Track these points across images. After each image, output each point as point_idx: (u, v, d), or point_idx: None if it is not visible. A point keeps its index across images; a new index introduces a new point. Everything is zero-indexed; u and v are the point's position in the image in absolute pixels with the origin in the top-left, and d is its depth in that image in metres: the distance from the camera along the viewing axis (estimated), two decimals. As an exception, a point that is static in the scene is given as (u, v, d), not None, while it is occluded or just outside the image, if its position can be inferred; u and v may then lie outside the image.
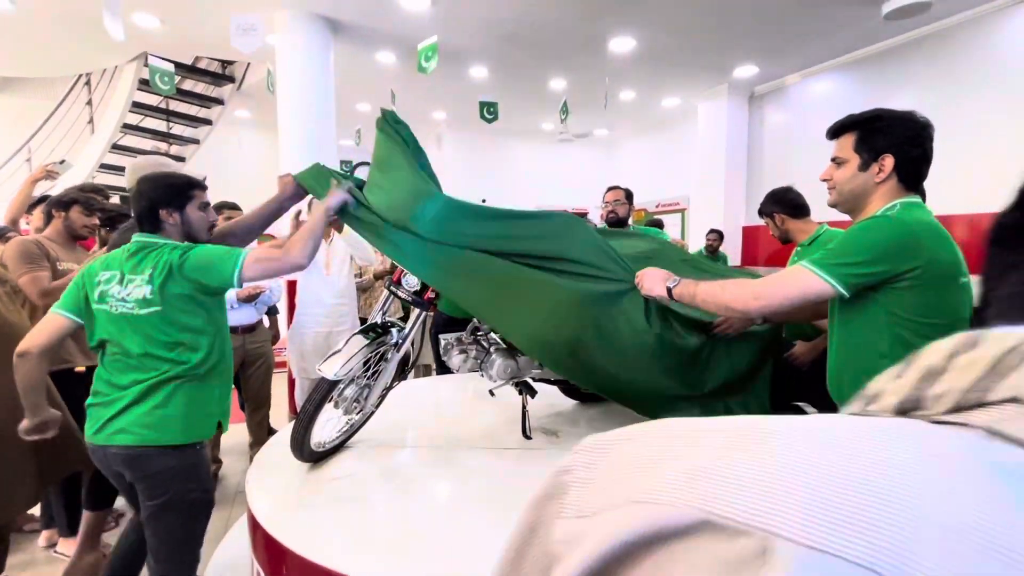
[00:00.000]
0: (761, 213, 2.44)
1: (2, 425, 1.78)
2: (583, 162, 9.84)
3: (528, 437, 1.90)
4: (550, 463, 1.24)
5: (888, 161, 1.31)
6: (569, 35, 5.00)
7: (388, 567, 1.20)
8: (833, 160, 1.41)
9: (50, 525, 2.45)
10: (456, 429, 2.04)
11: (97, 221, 2.43)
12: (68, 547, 2.35)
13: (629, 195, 3.13)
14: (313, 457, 1.70)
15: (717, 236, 5.81)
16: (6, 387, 1.81)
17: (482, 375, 1.91)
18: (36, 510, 2.63)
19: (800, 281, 1.30)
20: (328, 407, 1.69)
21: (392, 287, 1.75)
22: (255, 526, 1.42)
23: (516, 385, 1.92)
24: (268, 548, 1.34)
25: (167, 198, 1.62)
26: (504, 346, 1.91)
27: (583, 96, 6.89)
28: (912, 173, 1.33)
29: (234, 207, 3.29)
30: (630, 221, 3.07)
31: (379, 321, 1.75)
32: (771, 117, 6.72)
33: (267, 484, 1.61)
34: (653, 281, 1.54)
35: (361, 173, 1.87)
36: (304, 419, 1.61)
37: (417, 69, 4.49)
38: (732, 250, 6.71)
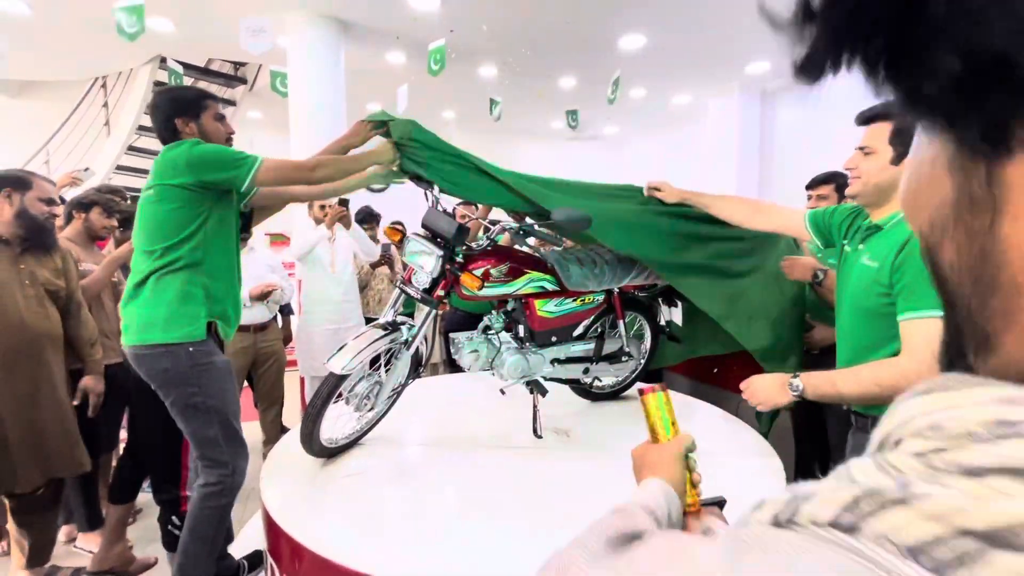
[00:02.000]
0: (836, 186, 2.27)
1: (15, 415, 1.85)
2: (592, 161, 9.81)
3: (539, 436, 1.90)
4: (561, 462, 1.24)
5: None
6: (579, 33, 4.98)
7: (401, 564, 1.21)
8: (860, 149, 1.33)
9: (69, 520, 2.49)
10: (467, 428, 2.04)
11: (115, 223, 2.48)
12: (87, 542, 2.39)
13: None
14: (324, 452, 1.71)
15: None
16: (25, 384, 1.85)
17: (493, 374, 1.91)
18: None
19: (934, 332, 1.20)
20: (340, 403, 1.70)
21: (403, 285, 1.76)
22: (270, 523, 1.43)
23: (527, 384, 1.92)
24: (283, 545, 1.35)
25: (181, 108, 1.70)
26: (515, 344, 1.91)
27: (593, 94, 6.86)
28: None
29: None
30: None
31: (390, 319, 1.76)
32: (784, 114, 6.65)
33: (280, 481, 1.62)
34: (769, 392, 1.38)
35: None
36: (312, 413, 1.62)
37: (428, 72, 4.51)
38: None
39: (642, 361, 2.26)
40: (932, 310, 1.18)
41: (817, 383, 1.32)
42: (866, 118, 1.32)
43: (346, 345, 1.61)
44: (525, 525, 1.37)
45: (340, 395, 1.67)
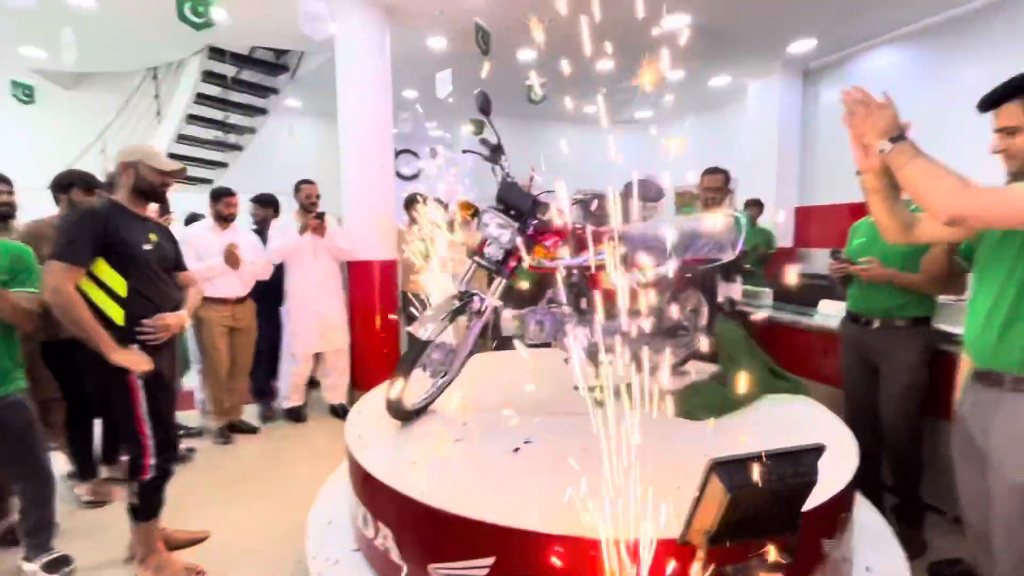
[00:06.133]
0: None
1: None
2: (627, 144, 9.73)
3: (600, 405, 1.97)
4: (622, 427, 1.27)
5: None
6: (622, 14, 4.94)
7: (488, 508, 1.31)
8: (1001, 130, 1.35)
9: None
10: (526, 397, 2.12)
11: (95, 200, 2.49)
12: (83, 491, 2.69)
13: (727, 178, 2.98)
14: (405, 416, 1.82)
15: (756, 207, 5.26)
16: None
17: (554, 345, 1.98)
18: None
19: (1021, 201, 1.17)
20: (416, 370, 1.80)
21: (476, 258, 1.84)
22: (365, 476, 1.54)
23: (588, 355, 1.99)
24: (377, 495, 1.47)
25: None
26: (577, 316, 1.97)
27: (629, 77, 6.79)
28: None
29: (270, 201, 3.59)
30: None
31: (463, 290, 1.85)
32: (827, 94, 6.48)
33: (368, 441, 1.73)
34: (875, 128, 1.29)
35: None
36: (399, 380, 1.72)
37: (477, 48, 4.59)
38: (785, 232, 6.54)
39: (699, 335, 2.30)
40: None
41: (901, 151, 1.26)
42: (990, 102, 1.34)
43: (425, 314, 1.71)
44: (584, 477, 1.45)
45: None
